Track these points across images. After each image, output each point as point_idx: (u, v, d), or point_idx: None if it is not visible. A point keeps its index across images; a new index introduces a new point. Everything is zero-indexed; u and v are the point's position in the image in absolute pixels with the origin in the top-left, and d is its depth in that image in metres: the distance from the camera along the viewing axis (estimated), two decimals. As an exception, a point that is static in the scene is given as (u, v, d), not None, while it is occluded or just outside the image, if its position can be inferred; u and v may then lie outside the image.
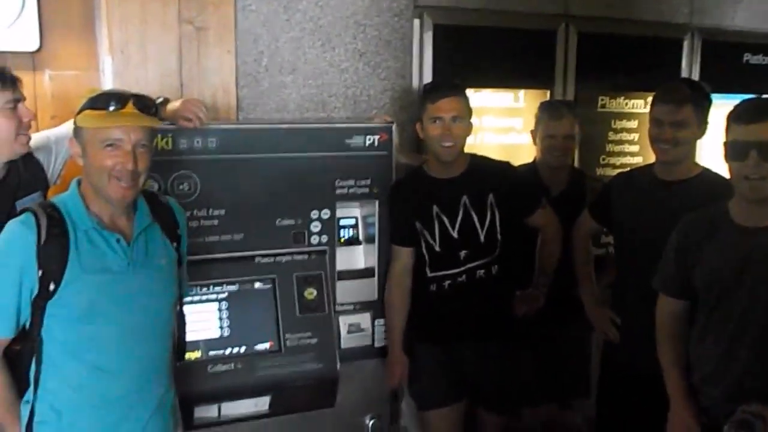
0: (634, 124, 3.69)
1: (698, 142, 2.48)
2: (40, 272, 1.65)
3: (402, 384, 2.69)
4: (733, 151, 1.90)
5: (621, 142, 3.72)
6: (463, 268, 2.56)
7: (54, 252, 1.66)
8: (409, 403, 2.80)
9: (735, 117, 1.92)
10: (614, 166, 3.68)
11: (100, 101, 1.74)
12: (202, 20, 2.70)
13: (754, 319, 1.91)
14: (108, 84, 2.62)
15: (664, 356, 2.15)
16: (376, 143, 2.62)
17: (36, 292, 1.67)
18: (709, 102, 2.41)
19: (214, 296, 2.42)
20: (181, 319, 2.03)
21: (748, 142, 1.86)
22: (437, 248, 2.57)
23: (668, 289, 2.16)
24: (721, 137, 1.97)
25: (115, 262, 1.74)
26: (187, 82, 2.70)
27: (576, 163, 3.40)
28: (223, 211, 2.44)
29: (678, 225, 2.12)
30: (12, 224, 1.72)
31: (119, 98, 1.74)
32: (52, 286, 1.66)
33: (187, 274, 2.09)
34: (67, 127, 2.30)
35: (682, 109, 2.32)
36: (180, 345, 2.04)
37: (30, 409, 1.73)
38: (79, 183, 1.80)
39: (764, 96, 2.07)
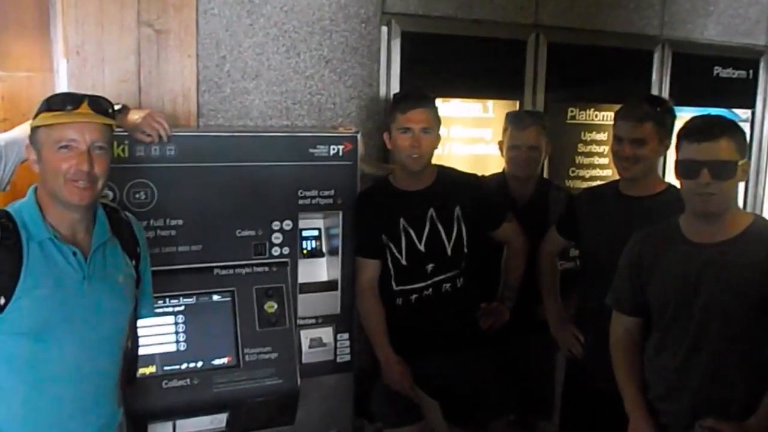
0: (603, 136, 3.76)
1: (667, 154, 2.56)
2: None
3: (408, 384, 2.60)
4: (684, 169, 1.99)
5: (591, 154, 3.79)
6: (429, 282, 2.61)
7: (6, 265, 1.65)
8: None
9: (686, 135, 2.01)
10: (583, 179, 3.76)
11: (55, 102, 1.76)
12: (162, 23, 2.71)
13: (709, 335, 1.99)
14: (63, 86, 2.61)
15: (620, 373, 2.21)
16: (340, 153, 2.65)
17: None
18: (673, 118, 2.50)
19: (170, 309, 2.42)
20: (134, 340, 2.03)
21: (699, 161, 1.94)
22: (403, 261, 2.61)
23: (622, 306, 2.24)
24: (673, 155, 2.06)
25: (70, 277, 1.74)
26: (145, 86, 2.70)
27: (546, 175, 3.47)
28: (180, 221, 2.44)
29: (630, 241, 2.20)
30: None
31: (73, 98, 1.76)
32: (2, 300, 1.65)
33: (150, 294, 2.09)
34: (18, 131, 2.29)
35: (641, 126, 2.41)
36: (132, 366, 2.04)
37: None
38: (36, 190, 1.79)
39: (712, 113, 2.16)
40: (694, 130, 2.00)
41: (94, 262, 1.78)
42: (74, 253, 1.74)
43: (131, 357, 2.03)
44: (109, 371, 1.86)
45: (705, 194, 1.95)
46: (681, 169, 2.00)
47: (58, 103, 1.75)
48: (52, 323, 1.71)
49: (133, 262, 1.92)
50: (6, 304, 1.65)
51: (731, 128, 2.00)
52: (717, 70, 4.10)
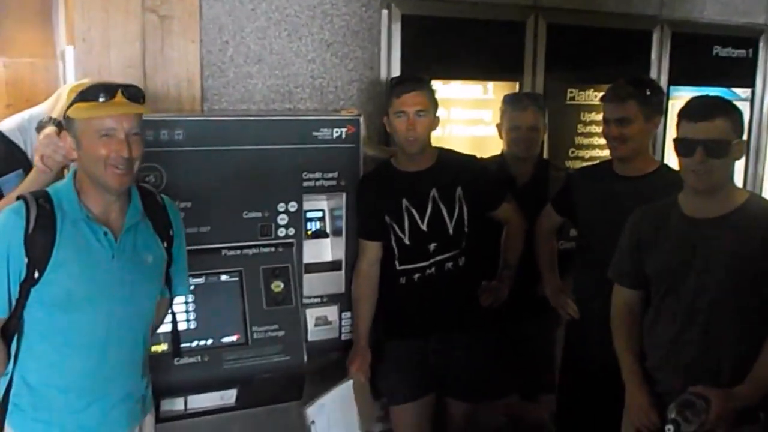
0: (603, 116, 3.89)
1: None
2: (26, 259, 1.83)
3: (363, 376, 2.82)
4: (681, 147, 2.14)
5: (590, 134, 3.92)
6: (431, 261, 2.75)
7: (40, 241, 1.83)
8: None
9: (684, 114, 2.16)
10: (583, 159, 3.90)
11: (90, 93, 1.88)
12: (166, 9, 2.83)
13: (702, 306, 2.14)
14: (69, 72, 2.75)
15: (619, 343, 2.36)
16: (343, 135, 2.79)
17: (23, 277, 1.84)
18: (660, 97, 2.66)
19: (180, 289, 2.56)
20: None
21: (695, 140, 2.09)
22: (406, 241, 2.75)
23: (622, 279, 2.39)
24: (672, 133, 2.21)
25: (100, 255, 1.91)
26: (150, 72, 2.83)
27: (546, 156, 3.61)
28: (189, 204, 2.57)
29: (631, 217, 2.35)
30: (4, 212, 1.90)
31: (108, 89, 1.89)
32: (36, 273, 1.83)
33: (185, 272, 2.25)
34: (45, 106, 2.46)
35: (624, 106, 2.58)
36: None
37: (8, 382, 1.92)
38: (74, 173, 1.96)
39: (711, 94, 2.31)
40: (691, 110, 2.15)
41: (124, 242, 1.95)
42: (105, 233, 1.91)
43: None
44: (133, 345, 2.03)
45: (700, 171, 2.10)
46: (678, 147, 2.16)
47: (93, 93, 1.88)
48: (79, 297, 1.88)
49: (165, 244, 2.08)
50: (39, 277, 1.84)
51: (727, 108, 2.14)
52: (716, 49, 4.23)
